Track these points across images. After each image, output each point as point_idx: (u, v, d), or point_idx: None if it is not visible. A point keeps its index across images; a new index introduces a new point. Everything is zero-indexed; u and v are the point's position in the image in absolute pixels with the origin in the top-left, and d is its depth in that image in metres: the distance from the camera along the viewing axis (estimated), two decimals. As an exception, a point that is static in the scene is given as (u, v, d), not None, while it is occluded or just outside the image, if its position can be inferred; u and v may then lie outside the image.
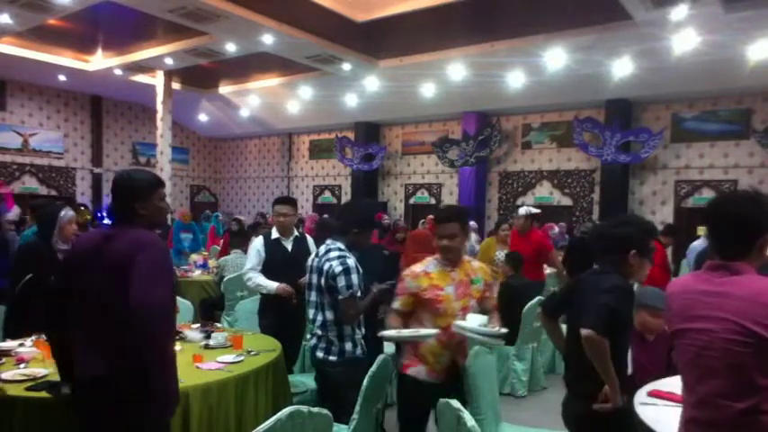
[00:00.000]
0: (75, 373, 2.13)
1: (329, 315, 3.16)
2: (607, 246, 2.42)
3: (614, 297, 2.21)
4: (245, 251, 7.13)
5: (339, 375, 3.10)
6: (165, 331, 2.05)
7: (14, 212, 5.89)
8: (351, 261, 3.13)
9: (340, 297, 3.07)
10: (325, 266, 3.14)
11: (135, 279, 1.97)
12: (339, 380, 3.09)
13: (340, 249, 3.20)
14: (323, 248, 3.28)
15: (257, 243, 4.38)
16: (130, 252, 2.03)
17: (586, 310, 2.23)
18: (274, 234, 4.36)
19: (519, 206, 8.20)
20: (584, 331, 2.16)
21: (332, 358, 3.16)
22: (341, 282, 3.06)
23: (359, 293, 3.11)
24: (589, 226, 8.14)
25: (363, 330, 3.30)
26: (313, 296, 3.26)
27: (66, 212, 3.81)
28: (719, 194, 1.84)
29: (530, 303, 5.07)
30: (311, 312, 3.28)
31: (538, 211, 7.08)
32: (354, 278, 3.08)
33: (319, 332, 3.22)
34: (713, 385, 1.66)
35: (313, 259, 3.31)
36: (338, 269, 3.07)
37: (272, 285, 4.15)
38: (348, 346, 3.16)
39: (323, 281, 3.15)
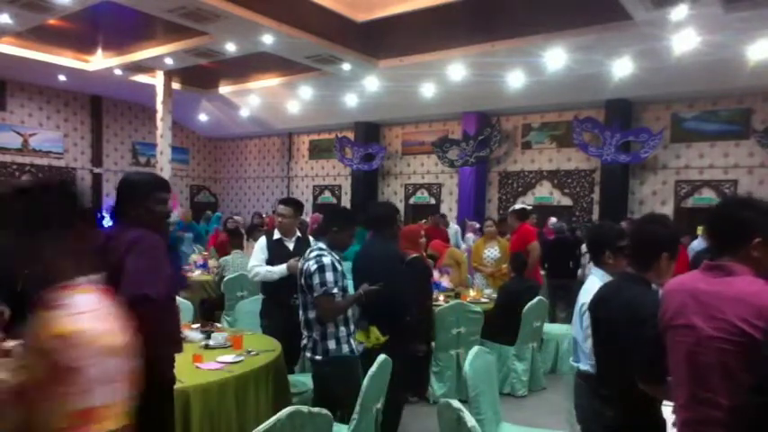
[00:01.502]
0: None
1: (311, 314, 3.19)
2: (638, 247, 2.29)
3: (653, 325, 2.01)
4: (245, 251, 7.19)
5: (327, 374, 3.12)
6: (154, 319, 2.00)
7: (176, 213, 5.75)
8: (327, 259, 3.15)
9: (315, 294, 3.10)
10: (304, 266, 3.20)
11: (124, 274, 2.00)
12: (328, 379, 3.11)
13: (320, 249, 3.24)
14: (308, 250, 3.33)
15: (261, 242, 4.42)
16: (125, 250, 2.07)
17: (625, 341, 2.13)
18: (276, 234, 4.38)
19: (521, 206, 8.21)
20: (639, 383, 2.07)
21: (318, 357, 3.18)
22: (315, 279, 3.09)
23: (334, 291, 3.12)
24: (561, 225, 8.08)
25: (352, 328, 3.31)
26: (300, 297, 3.31)
27: None
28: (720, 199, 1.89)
29: (529, 303, 5.08)
30: (300, 313, 3.32)
31: (526, 207, 7.13)
32: (329, 276, 3.10)
33: (305, 332, 3.25)
34: (705, 383, 1.67)
35: (300, 261, 3.37)
36: (313, 267, 3.12)
37: (281, 268, 4.17)
38: (331, 344, 3.16)
39: (302, 280, 3.20)
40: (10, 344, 3.22)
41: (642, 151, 10.71)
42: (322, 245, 3.28)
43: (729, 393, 1.61)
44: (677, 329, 1.77)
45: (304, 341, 3.29)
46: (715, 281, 1.71)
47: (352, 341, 3.26)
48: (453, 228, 10.51)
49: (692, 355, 1.71)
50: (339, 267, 3.20)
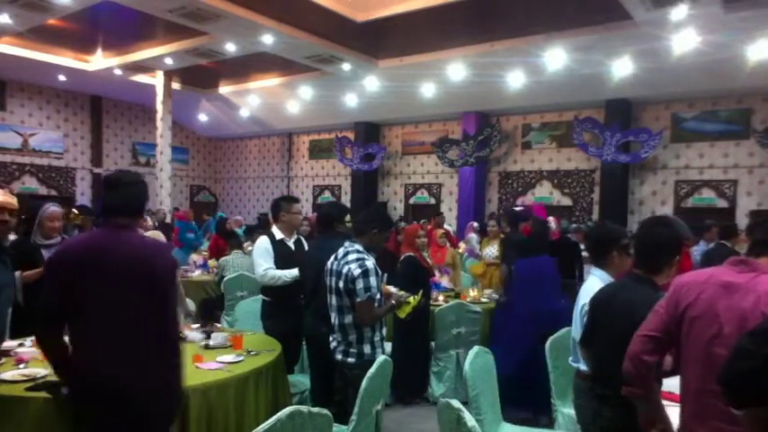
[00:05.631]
0: (92, 373, 2.10)
1: (348, 318, 3.14)
2: (650, 250, 2.27)
3: None
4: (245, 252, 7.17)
5: (357, 378, 3.07)
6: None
7: (552, 222, 6.03)
8: (369, 263, 3.10)
9: (358, 300, 3.05)
10: (344, 269, 3.11)
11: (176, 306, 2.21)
12: (356, 382, 3.07)
13: (358, 252, 3.16)
14: (341, 251, 3.23)
15: (264, 242, 4.24)
16: (171, 270, 2.22)
17: (624, 341, 2.08)
18: (279, 234, 4.29)
19: (518, 207, 8.24)
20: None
21: (350, 360, 3.15)
22: (359, 284, 3.04)
23: (377, 296, 3.10)
24: (567, 224, 8.08)
25: (384, 332, 3.31)
26: (334, 300, 3.22)
27: (47, 207, 3.79)
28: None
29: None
30: (332, 316, 3.26)
31: (515, 209, 7.17)
32: (373, 281, 3.06)
33: (339, 335, 3.20)
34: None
35: (332, 262, 3.26)
36: (357, 272, 3.05)
37: (294, 272, 4.11)
38: (367, 348, 3.15)
39: (341, 284, 3.13)
40: (10, 343, 3.23)
41: (642, 151, 10.71)
42: (359, 246, 3.20)
43: None
44: (696, 320, 1.78)
45: (333, 344, 3.25)
46: (741, 275, 1.74)
47: (384, 345, 3.25)
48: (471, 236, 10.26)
49: (710, 347, 1.71)
50: (379, 272, 3.15)
